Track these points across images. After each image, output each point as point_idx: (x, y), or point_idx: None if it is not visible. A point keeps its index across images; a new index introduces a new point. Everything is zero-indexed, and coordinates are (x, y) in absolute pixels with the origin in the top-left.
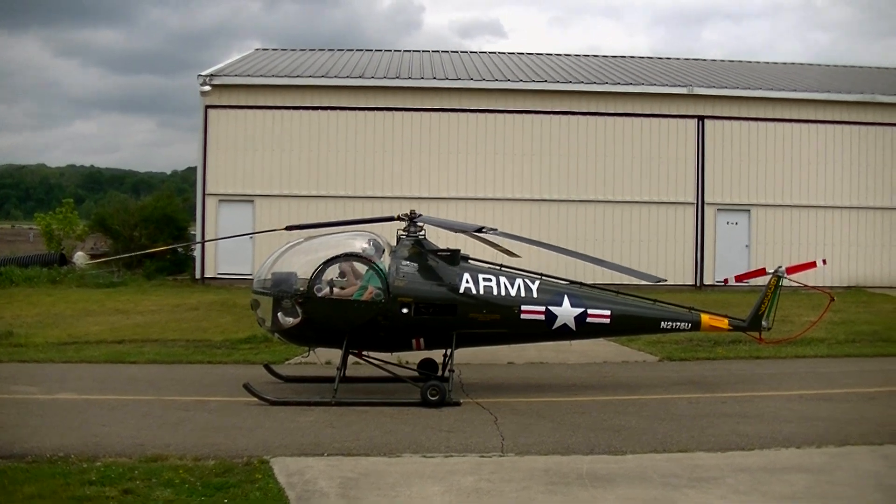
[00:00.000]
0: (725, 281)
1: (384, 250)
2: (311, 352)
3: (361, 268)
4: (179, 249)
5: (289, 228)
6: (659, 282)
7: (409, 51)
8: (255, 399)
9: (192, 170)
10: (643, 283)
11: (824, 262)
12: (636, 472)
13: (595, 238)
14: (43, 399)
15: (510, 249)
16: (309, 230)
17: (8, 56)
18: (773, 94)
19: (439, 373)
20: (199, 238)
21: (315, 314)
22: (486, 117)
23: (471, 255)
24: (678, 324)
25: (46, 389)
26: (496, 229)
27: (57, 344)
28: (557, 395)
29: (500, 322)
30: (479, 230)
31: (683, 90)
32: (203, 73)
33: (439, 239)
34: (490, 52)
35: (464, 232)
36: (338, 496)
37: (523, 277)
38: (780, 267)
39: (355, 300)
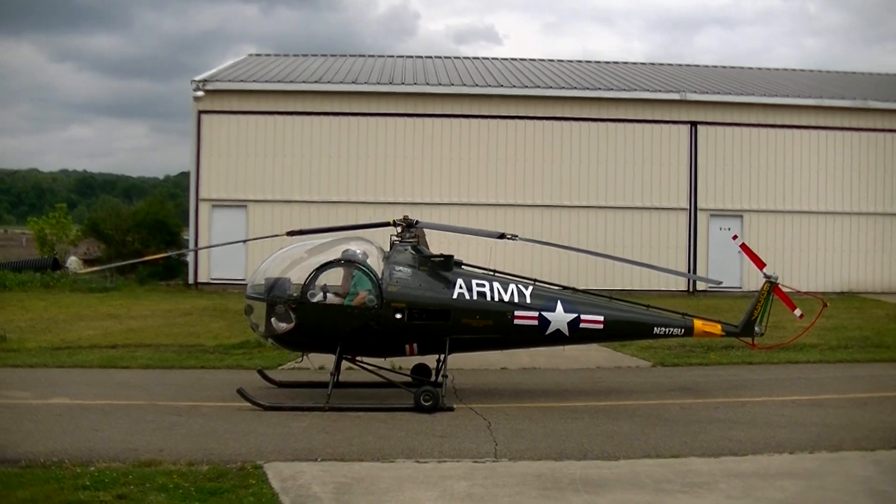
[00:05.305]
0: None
1: (378, 256)
2: (305, 357)
3: (355, 273)
4: (173, 255)
5: (290, 234)
6: (718, 284)
7: (404, 56)
8: (249, 404)
9: (185, 174)
10: (634, 288)
11: (734, 237)
12: (629, 478)
13: (588, 243)
14: (36, 404)
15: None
16: (308, 235)
17: (1, 60)
18: (765, 99)
19: (433, 378)
20: (192, 243)
21: (308, 319)
22: (480, 122)
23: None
24: (671, 329)
25: (39, 394)
26: (517, 236)
27: (50, 349)
28: (550, 400)
29: (493, 328)
30: (501, 236)
31: (676, 96)
32: (196, 79)
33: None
34: (484, 58)
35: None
36: (331, 501)
37: (516, 283)
38: (771, 274)
39: (348, 305)
